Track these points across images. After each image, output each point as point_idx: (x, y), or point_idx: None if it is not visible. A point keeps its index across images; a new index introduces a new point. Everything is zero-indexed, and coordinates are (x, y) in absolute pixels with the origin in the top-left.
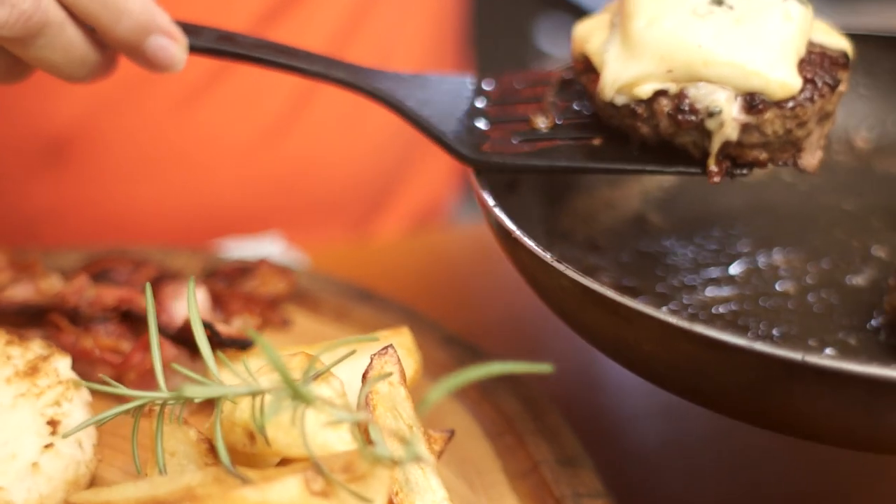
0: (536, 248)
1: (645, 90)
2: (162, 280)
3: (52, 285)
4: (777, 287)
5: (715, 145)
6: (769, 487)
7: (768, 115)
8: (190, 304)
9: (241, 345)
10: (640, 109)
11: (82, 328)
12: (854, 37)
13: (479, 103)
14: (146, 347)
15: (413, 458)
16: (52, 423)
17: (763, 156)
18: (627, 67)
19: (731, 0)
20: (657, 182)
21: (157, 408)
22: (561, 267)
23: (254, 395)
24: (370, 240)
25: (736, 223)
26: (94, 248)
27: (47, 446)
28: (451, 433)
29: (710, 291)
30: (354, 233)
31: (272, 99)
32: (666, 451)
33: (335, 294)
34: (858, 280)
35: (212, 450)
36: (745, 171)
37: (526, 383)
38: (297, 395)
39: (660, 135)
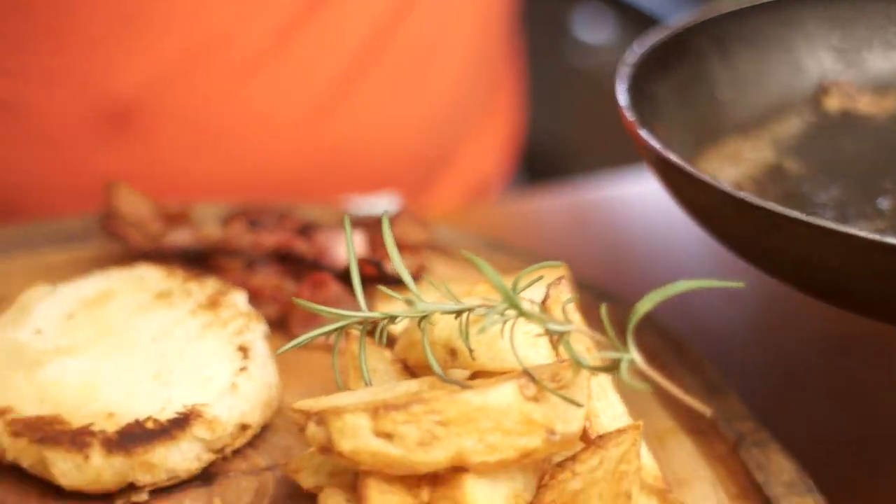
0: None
1: None
2: (311, 227)
3: (212, 231)
4: None
5: None
6: None
7: None
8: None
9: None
10: None
11: (247, 270)
12: None
13: None
14: (312, 285)
15: (610, 369)
16: (243, 349)
17: None
18: None
19: None
20: (786, 129)
21: (357, 330)
22: (756, 200)
23: (459, 312)
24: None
25: (873, 163)
26: (231, 201)
27: (242, 369)
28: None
29: (863, 225)
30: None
31: (328, 71)
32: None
33: (467, 243)
34: None
35: (406, 369)
36: None
37: (664, 323)
38: (514, 306)
39: None
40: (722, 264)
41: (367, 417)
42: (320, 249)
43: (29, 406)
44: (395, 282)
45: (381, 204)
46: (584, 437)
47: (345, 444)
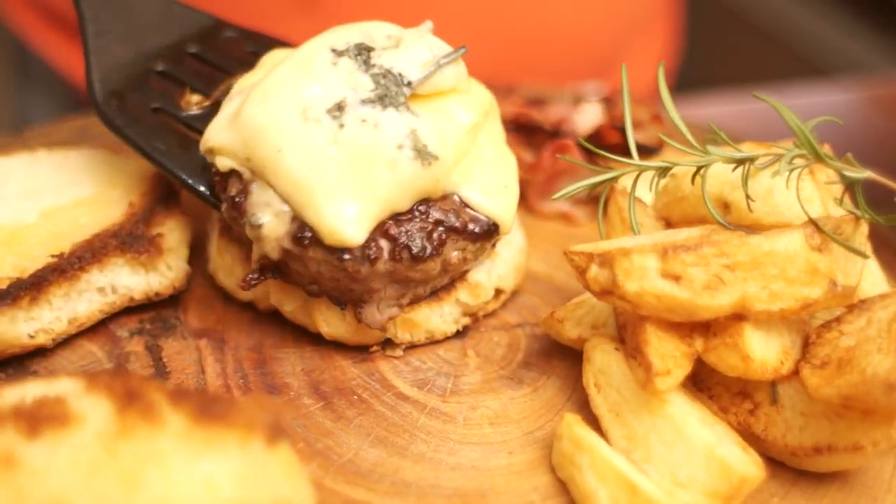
0: None
1: (222, 163)
2: (541, 101)
3: None
4: None
5: (254, 254)
6: None
7: (312, 253)
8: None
9: (649, 150)
10: (217, 177)
11: None
12: None
13: (191, 47)
14: (556, 150)
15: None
16: None
17: (312, 287)
18: (221, 133)
19: (352, 119)
20: None
21: (622, 185)
22: None
23: (742, 161)
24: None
25: None
26: None
27: None
28: None
29: None
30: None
31: None
32: None
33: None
34: None
35: (668, 226)
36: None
37: None
38: (812, 150)
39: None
40: None
41: (656, 258)
42: (558, 119)
43: None
44: (646, 149)
45: (591, 88)
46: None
47: (630, 285)
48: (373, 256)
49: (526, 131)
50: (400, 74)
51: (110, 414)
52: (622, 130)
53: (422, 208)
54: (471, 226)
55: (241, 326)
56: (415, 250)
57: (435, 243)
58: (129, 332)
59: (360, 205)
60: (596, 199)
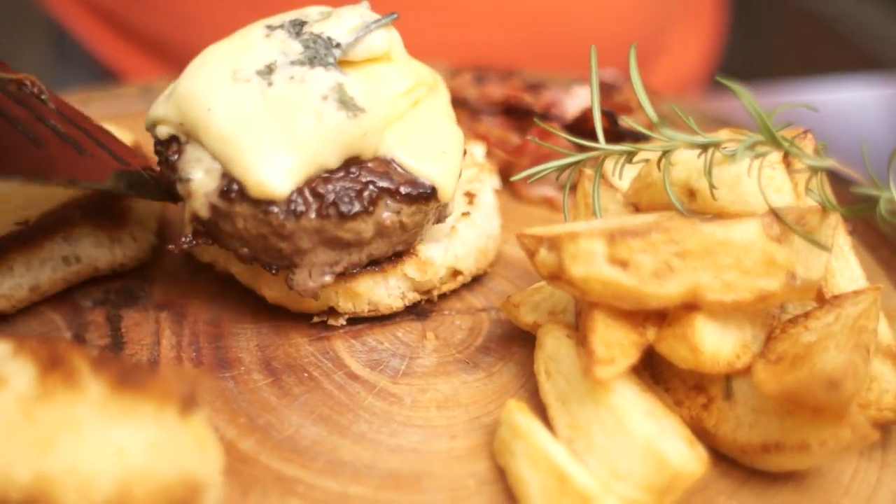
0: None
1: (161, 131)
2: (537, 85)
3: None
4: None
5: (186, 213)
6: None
7: (239, 208)
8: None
9: (635, 136)
10: (158, 147)
11: (472, 119)
12: None
13: None
14: (540, 135)
15: (864, 210)
16: (469, 196)
17: (243, 250)
18: (159, 106)
19: (280, 77)
20: None
21: (591, 169)
22: None
23: (706, 147)
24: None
25: None
26: (458, 63)
27: (464, 214)
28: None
29: None
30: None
31: None
32: None
33: (693, 115)
34: None
35: (637, 213)
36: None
37: None
38: (771, 137)
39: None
40: None
41: (603, 243)
42: (549, 102)
43: None
44: (633, 135)
45: (605, 74)
46: (819, 296)
47: (576, 270)
48: (299, 210)
49: (517, 114)
50: (329, 38)
51: (33, 378)
52: (610, 115)
53: (354, 169)
54: (404, 187)
55: (203, 300)
56: (342, 206)
57: (365, 201)
58: (93, 301)
59: (286, 157)
60: None
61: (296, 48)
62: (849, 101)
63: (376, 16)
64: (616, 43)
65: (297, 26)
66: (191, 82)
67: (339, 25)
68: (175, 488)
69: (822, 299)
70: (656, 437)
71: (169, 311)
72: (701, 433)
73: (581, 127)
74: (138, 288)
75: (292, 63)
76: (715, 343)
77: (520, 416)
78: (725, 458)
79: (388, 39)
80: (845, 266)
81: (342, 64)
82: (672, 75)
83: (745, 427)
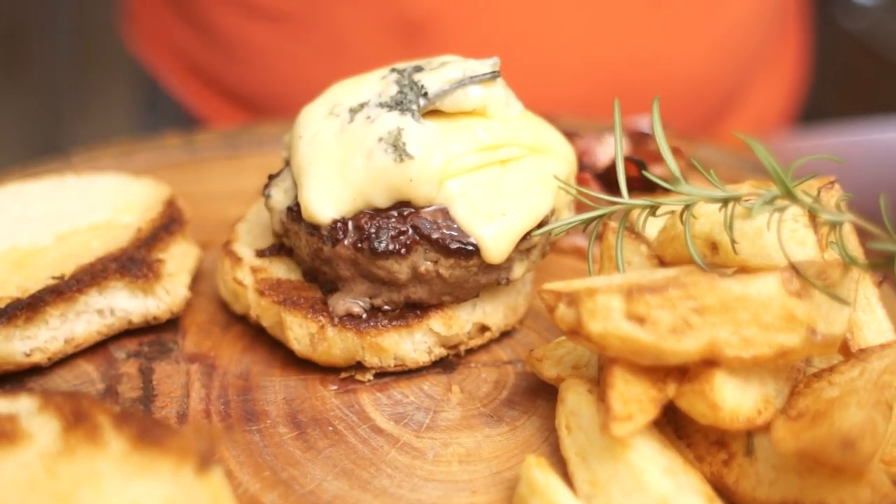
0: None
1: (282, 154)
2: (571, 133)
3: None
4: None
5: (272, 227)
6: None
7: (295, 227)
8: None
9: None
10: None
11: None
12: None
13: None
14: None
15: (886, 264)
16: None
17: (305, 265)
18: (287, 133)
19: (361, 115)
20: None
21: (615, 221)
22: None
23: (726, 201)
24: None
25: None
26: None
27: None
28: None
29: None
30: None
31: None
32: None
33: (727, 162)
34: None
35: (662, 265)
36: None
37: None
38: (788, 192)
39: None
40: None
41: (621, 299)
42: (581, 151)
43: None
44: (654, 187)
45: (642, 123)
46: (845, 349)
47: (594, 326)
48: (337, 237)
49: None
50: (422, 86)
51: (56, 433)
52: (639, 164)
53: (406, 212)
54: (447, 240)
55: (234, 353)
56: (375, 243)
57: (399, 243)
58: (126, 353)
59: (336, 188)
60: None
61: (391, 91)
62: None
63: (481, 72)
64: (695, 90)
65: (414, 72)
66: (301, 112)
67: (440, 76)
68: None
69: (848, 353)
70: (673, 494)
71: (200, 363)
72: (722, 489)
73: (612, 175)
74: (171, 340)
75: (379, 104)
76: (735, 399)
77: (538, 472)
78: None
79: (482, 96)
80: (872, 319)
81: (432, 113)
82: (755, 119)
83: (765, 484)
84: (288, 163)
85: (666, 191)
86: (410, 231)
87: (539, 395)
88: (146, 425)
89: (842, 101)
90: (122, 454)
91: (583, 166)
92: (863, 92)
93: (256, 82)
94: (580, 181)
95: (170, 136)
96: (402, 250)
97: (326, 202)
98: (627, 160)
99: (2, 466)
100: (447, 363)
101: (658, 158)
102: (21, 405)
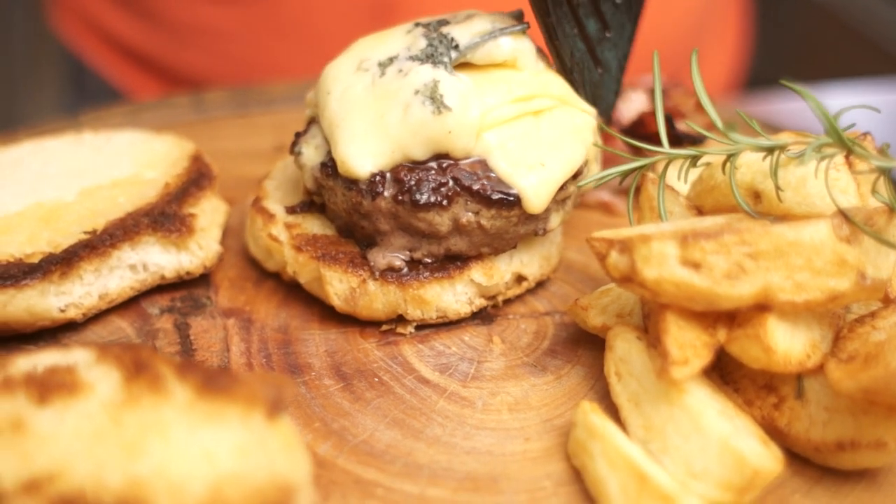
0: None
1: (307, 113)
2: None
3: None
4: None
5: (302, 185)
6: None
7: (332, 183)
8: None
9: (692, 139)
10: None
11: None
12: None
13: None
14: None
15: None
16: None
17: (340, 222)
18: (311, 91)
19: (393, 69)
20: None
21: (657, 171)
22: None
23: (771, 149)
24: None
25: None
26: None
27: None
28: None
29: None
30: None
31: None
32: None
33: (739, 120)
34: None
35: (699, 213)
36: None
37: None
38: (839, 138)
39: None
40: None
41: (676, 245)
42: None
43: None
44: (690, 139)
45: (646, 80)
46: (884, 296)
47: (649, 272)
48: (376, 191)
49: None
50: (452, 38)
51: (118, 384)
52: (668, 119)
53: (444, 164)
54: (489, 191)
55: (269, 308)
56: (416, 195)
57: (441, 195)
58: (159, 309)
59: (372, 141)
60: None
61: (420, 45)
62: (877, 104)
63: (510, 24)
64: (660, 50)
65: (439, 26)
66: (327, 68)
67: (469, 28)
68: (267, 491)
69: (888, 299)
70: (732, 436)
71: (236, 318)
72: (773, 432)
73: (637, 131)
74: (203, 296)
75: (410, 58)
76: (786, 343)
77: (595, 416)
78: (797, 457)
79: (513, 48)
80: None
81: (464, 66)
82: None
83: (818, 425)
84: (314, 120)
85: (693, 144)
86: (451, 183)
87: (580, 344)
88: (210, 374)
89: (800, 66)
90: (187, 403)
91: (609, 122)
92: (811, 55)
93: (208, 65)
94: (605, 136)
95: (179, 96)
96: (444, 202)
97: (364, 156)
98: (651, 115)
99: (64, 417)
100: (485, 315)
101: (677, 114)
102: (77, 356)
